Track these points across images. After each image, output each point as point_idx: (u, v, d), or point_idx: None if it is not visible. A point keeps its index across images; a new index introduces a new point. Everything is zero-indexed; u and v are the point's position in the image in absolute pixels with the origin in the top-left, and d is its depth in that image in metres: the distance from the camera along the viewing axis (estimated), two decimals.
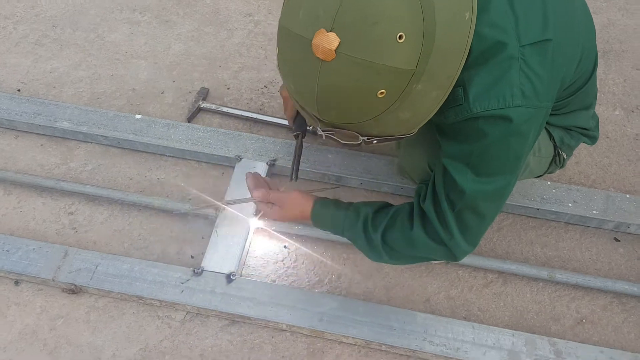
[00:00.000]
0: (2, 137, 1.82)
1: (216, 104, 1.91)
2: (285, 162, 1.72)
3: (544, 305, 1.54)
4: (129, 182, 1.73)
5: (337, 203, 1.32)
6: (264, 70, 2.05)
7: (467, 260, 1.54)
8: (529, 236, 1.66)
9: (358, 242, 1.28)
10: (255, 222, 1.58)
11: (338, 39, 0.83)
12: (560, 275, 1.53)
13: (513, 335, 1.42)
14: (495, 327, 1.44)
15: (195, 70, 2.04)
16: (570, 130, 1.36)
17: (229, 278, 1.48)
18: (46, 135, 1.82)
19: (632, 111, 1.99)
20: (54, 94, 1.95)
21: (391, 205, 1.29)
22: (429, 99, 0.93)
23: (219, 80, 2.01)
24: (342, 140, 1.00)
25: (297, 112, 1.67)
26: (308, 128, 1.68)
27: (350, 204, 1.32)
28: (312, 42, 0.84)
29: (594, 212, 1.65)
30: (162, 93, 1.96)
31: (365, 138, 0.98)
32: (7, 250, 1.51)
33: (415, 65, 0.85)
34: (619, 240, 1.66)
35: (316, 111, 0.93)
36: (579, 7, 1.12)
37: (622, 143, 1.89)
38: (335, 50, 0.83)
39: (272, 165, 1.71)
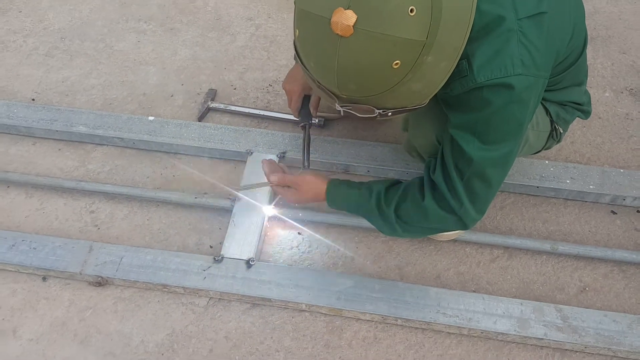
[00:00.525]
0: (21, 143, 1.89)
1: (224, 103, 1.99)
2: (294, 153, 1.80)
3: (548, 276, 1.62)
4: (145, 180, 1.81)
5: (349, 183, 1.41)
6: (268, 70, 2.13)
7: (473, 237, 1.62)
8: (531, 213, 1.74)
9: (372, 218, 1.37)
10: (270, 210, 1.66)
11: (355, 15, 0.91)
12: (563, 247, 1.61)
13: (521, 304, 1.50)
14: (504, 297, 1.51)
15: (202, 73, 2.12)
16: (565, 105, 1.45)
17: (248, 263, 1.55)
18: (63, 140, 1.89)
19: (621, 92, 2.08)
20: (68, 102, 2.02)
21: (401, 181, 1.37)
22: (438, 70, 1.01)
23: (226, 81, 2.09)
24: (359, 114, 1.08)
25: (302, 104, 1.75)
26: (313, 120, 1.76)
27: (362, 182, 1.40)
28: (331, 20, 0.92)
29: (591, 187, 1.73)
30: (172, 96, 2.04)
31: (381, 110, 1.06)
32: (34, 248, 1.58)
33: (426, 36, 0.93)
34: (616, 213, 1.75)
35: (336, 86, 1.01)
36: None
37: (613, 122, 1.98)
38: (353, 26, 0.91)
39: (282, 157, 1.79)
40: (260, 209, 1.66)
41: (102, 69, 2.14)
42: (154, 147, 1.86)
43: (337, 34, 0.93)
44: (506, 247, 1.66)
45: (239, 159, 1.84)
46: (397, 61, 0.94)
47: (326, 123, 1.93)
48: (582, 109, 1.50)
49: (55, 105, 1.97)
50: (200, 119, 1.95)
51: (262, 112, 1.96)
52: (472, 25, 1.02)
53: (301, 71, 1.69)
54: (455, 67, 1.04)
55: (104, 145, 1.88)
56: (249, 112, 1.97)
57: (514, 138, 1.16)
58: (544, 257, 1.65)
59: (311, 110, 1.75)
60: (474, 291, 1.58)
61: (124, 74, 2.12)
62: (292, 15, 2.26)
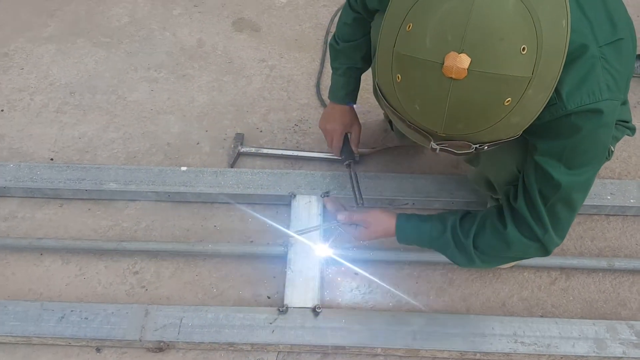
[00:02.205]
0: (47, 207, 1.80)
1: (255, 147, 1.95)
2: (337, 192, 1.77)
3: (608, 293, 1.63)
4: (186, 234, 1.74)
5: (419, 216, 1.40)
6: (290, 109, 2.11)
7: (531, 261, 1.62)
8: (577, 232, 1.75)
9: (447, 250, 1.35)
10: (325, 252, 1.62)
11: (469, 58, 0.90)
12: (619, 263, 1.63)
13: (594, 324, 1.50)
14: (576, 319, 1.51)
15: (225, 118, 2.08)
16: (617, 124, 1.48)
17: (315, 311, 1.50)
18: (92, 199, 1.81)
19: (634, 107, 2.15)
20: (89, 159, 1.94)
21: (471, 211, 1.36)
22: (536, 102, 1.01)
23: (250, 124, 2.06)
24: (456, 150, 1.06)
25: (343, 143, 1.73)
26: (356, 157, 1.75)
27: (432, 215, 1.39)
28: (444, 64, 0.91)
29: (632, 200, 1.76)
30: (198, 144, 1.99)
31: (477, 145, 1.05)
32: (86, 318, 1.48)
33: (532, 72, 0.94)
34: None
35: (442, 127, 0.99)
36: (623, 5, 1.25)
37: (635, 137, 2.03)
38: (467, 69, 0.91)
39: (325, 197, 1.76)
40: (315, 252, 1.61)
41: (119, 121, 2.07)
42: (190, 199, 1.79)
43: (450, 77, 0.92)
44: (562, 268, 1.66)
45: (281, 202, 1.79)
46: (508, 99, 0.94)
47: (360, 159, 1.92)
48: (629, 126, 1.53)
49: (76, 163, 1.89)
50: (233, 165, 1.90)
51: (295, 153, 1.93)
52: None
53: (344, 113, 1.69)
54: None
55: (136, 200, 1.81)
56: (281, 154, 1.94)
57: (598, 161, 1.18)
58: (600, 274, 1.66)
59: (354, 148, 1.75)
60: (542, 316, 1.57)
61: (143, 124, 2.05)
62: (303, 53, 2.27)
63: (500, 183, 1.38)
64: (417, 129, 1.05)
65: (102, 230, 1.74)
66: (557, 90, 1.07)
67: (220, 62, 2.30)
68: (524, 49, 0.91)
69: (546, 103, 1.07)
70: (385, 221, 1.41)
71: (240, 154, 1.93)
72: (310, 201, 1.75)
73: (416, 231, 1.38)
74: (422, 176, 1.82)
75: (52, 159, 1.94)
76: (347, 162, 1.73)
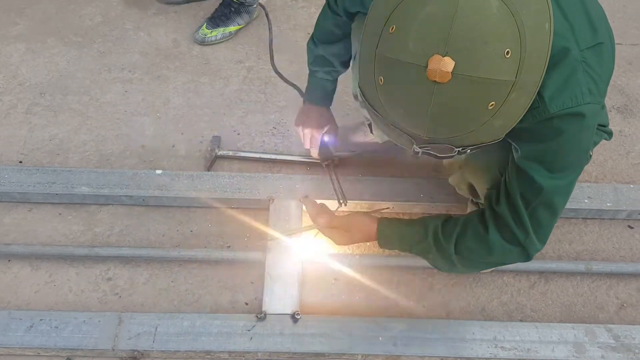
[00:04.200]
0: (15, 211, 1.73)
1: (232, 150, 1.91)
2: (317, 196, 1.74)
3: (586, 296, 1.64)
4: (162, 239, 1.69)
5: (400, 220, 1.39)
6: (269, 112, 2.08)
7: (510, 265, 1.61)
8: (555, 235, 1.76)
9: (429, 255, 1.33)
10: (305, 258, 1.59)
11: (453, 61, 0.89)
12: (597, 266, 1.64)
13: (573, 328, 1.50)
14: (556, 323, 1.51)
15: (201, 120, 2.04)
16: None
17: (294, 317, 1.47)
18: (62, 203, 1.75)
19: (610, 111, 2.17)
20: (60, 161, 1.88)
21: (452, 216, 1.35)
22: (519, 105, 1.00)
23: (227, 127, 2.02)
24: (438, 154, 1.05)
25: (321, 144, 1.70)
26: (333, 157, 1.72)
27: (413, 220, 1.37)
28: (428, 68, 0.89)
29: (608, 204, 1.78)
30: (173, 146, 1.95)
31: (460, 149, 1.04)
32: (56, 327, 1.43)
33: (515, 76, 0.93)
34: (633, 227, 1.80)
35: (424, 131, 0.98)
36: (603, 11, 1.25)
37: (611, 140, 2.05)
38: (451, 72, 0.89)
39: (304, 198, 1.72)
40: (294, 258, 1.58)
41: (91, 123, 2.01)
42: (165, 203, 1.75)
43: (434, 80, 0.90)
44: (541, 272, 1.67)
45: (258, 207, 1.76)
46: (492, 102, 0.93)
47: (340, 162, 1.89)
48: (607, 130, 1.54)
49: (46, 166, 1.82)
50: (209, 168, 1.86)
51: (273, 156, 1.90)
52: None
53: (321, 114, 1.67)
54: None
55: (109, 204, 1.76)
56: (259, 157, 1.90)
57: (579, 165, 1.18)
58: (578, 277, 1.67)
59: (331, 150, 1.73)
60: (521, 320, 1.57)
61: (117, 126, 2.00)
62: (283, 56, 2.24)
63: (482, 186, 1.38)
64: (399, 132, 1.04)
65: (74, 235, 1.69)
66: (539, 94, 1.06)
67: (197, 62, 2.26)
68: (507, 52, 0.90)
69: (529, 106, 1.06)
70: (367, 225, 1.38)
71: (217, 157, 1.89)
72: (288, 206, 1.72)
73: (397, 235, 1.36)
74: (402, 179, 1.80)
75: (21, 162, 1.87)
76: (325, 162, 1.70)
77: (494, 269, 1.61)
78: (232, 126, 2.03)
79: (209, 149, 1.90)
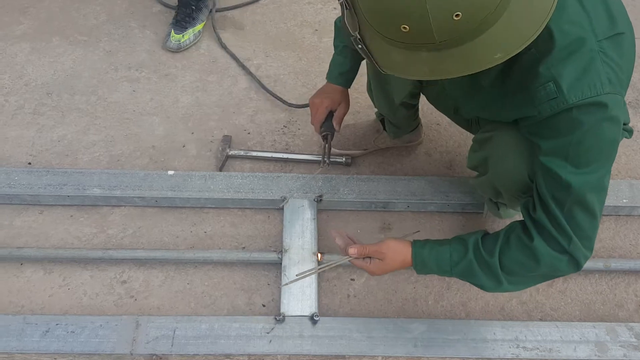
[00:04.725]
0: (26, 214, 1.71)
1: (244, 150, 1.89)
2: (331, 195, 1.73)
3: (605, 294, 1.62)
4: (175, 241, 1.67)
5: (434, 241, 1.30)
6: (278, 111, 2.06)
7: None
8: None
9: (471, 274, 1.24)
10: (321, 259, 1.57)
11: None
12: (615, 264, 1.62)
13: (594, 327, 1.49)
14: (577, 322, 1.50)
15: (210, 119, 2.01)
16: None
17: (312, 319, 1.45)
18: (74, 205, 1.72)
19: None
20: (70, 162, 1.85)
21: (489, 232, 1.29)
22: (523, 20, 0.93)
23: (237, 126, 2.00)
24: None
25: (326, 119, 1.64)
26: (334, 131, 1.67)
27: (447, 240, 1.29)
28: None
29: (624, 200, 1.76)
30: (184, 146, 1.92)
31: None
32: (73, 332, 1.41)
33: None
34: None
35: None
36: (622, 4, 1.22)
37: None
38: None
39: (319, 201, 1.71)
40: (310, 259, 1.56)
41: (100, 123, 1.98)
42: (178, 204, 1.73)
43: None
44: None
45: (272, 207, 1.74)
46: None
47: (352, 161, 1.88)
48: (627, 128, 1.52)
49: (56, 168, 1.80)
50: (221, 168, 1.84)
51: (285, 155, 1.88)
52: (554, 45, 1.03)
53: (335, 90, 1.62)
54: (542, 89, 1.05)
55: (122, 206, 1.73)
56: (271, 157, 1.88)
57: (607, 159, 1.13)
58: (597, 275, 1.66)
59: (336, 125, 1.64)
60: (541, 319, 1.55)
61: (126, 126, 1.97)
62: (289, 52, 2.22)
63: (511, 192, 1.34)
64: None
65: (86, 237, 1.66)
66: (557, 83, 1.05)
67: (204, 61, 2.23)
68: None
69: (544, 96, 1.05)
70: (401, 251, 1.29)
71: (228, 157, 1.87)
72: (303, 205, 1.70)
73: (435, 256, 1.26)
74: (415, 178, 1.79)
75: (30, 163, 1.84)
76: (325, 133, 1.64)
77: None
78: (242, 125, 2.00)
79: (220, 148, 1.88)
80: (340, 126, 1.65)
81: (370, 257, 1.30)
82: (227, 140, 1.90)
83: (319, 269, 1.45)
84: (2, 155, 1.86)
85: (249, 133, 1.98)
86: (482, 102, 1.30)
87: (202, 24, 2.28)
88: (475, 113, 1.40)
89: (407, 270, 1.59)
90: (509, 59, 0.96)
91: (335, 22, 1.60)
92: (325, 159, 1.65)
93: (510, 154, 1.25)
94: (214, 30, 2.30)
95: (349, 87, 1.64)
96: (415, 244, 1.29)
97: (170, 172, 1.76)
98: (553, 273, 1.21)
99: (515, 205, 1.46)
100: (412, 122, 1.84)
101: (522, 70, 1.11)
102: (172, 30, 2.22)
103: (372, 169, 1.88)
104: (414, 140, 1.92)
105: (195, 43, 2.26)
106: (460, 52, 0.94)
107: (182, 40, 2.20)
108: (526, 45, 0.95)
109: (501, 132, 1.28)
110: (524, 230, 1.20)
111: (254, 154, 1.88)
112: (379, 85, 1.61)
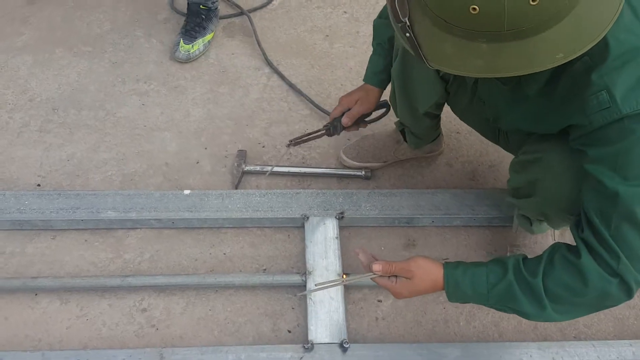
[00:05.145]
0: (38, 240, 1.65)
1: (260, 165, 1.83)
2: (353, 212, 1.68)
3: (638, 309, 1.58)
4: (194, 264, 1.62)
5: (468, 263, 1.20)
6: (293, 122, 2.00)
7: None
8: None
9: (512, 297, 1.13)
10: (346, 280, 1.52)
11: None
12: None
13: (630, 344, 1.45)
14: (613, 341, 1.46)
15: (224, 133, 1.95)
16: None
17: (342, 347, 1.40)
18: (88, 229, 1.66)
19: None
20: (81, 183, 1.79)
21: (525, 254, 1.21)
22: (592, 19, 0.90)
23: (251, 139, 1.94)
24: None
25: (339, 116, 1.60)
26: (337, 128, 1.62)
27: (482, 262, 1.19)
28: None
29: None
30: (198, 162, 1.86)
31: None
32: None
33: None
34: None
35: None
36: None
37: None
38: None
39: (340, 218, 1.66)
40: (336, 282, 1.51)
41: (110, 140, 1.92)
42: (195, 224, 1.67)
43: None
44: None
45: (292, 225, 1.69)
46: None
47: (372, 173, 1.82)
48: None
49: (67, 190, 1.73)
50: (237, 185, 1.78)
51: (302, 170, 1.83)
52: (609, 53, 0.99)
53: (361, 89, 1.58)
54: (595, 99, 1.01)
55: (137, 228, 1.67)
56: (287, 172, 1.82)
57: None
58: None
59: (343, 118, 1.58)
60: (575, 337, 1.51)
61: (138, 143, 1.91)
62: (301, 59, 2.16)
63: (561, 215, 1.26)
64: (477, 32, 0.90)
65: (102, 263, 1.61)
66: (610, 93, 1.00)
67: (214, 71, 2.16)
68: None
69: (596, 106, 1.00)
70: (431, 271, 1.18)
71: (244, 173, 1.81)
72: (324, 223, 1.65)
73: (470, 278, 1.15)
74: (439, 191, 1.73)
75: (39, 185, 1.78)
76: (327, 126, 1.62)
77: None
78: (256, 138, 1.94)
79: (236, 164, 1.82)
80: (350, 122, 1.59)
81: (396, 276, 1.20)
82: (242, 156, 1.84)
83: (340, 282, 1.38)
84: (9, 177, 1.80)
85: (263, 146, 1.92)
86: (525, 113, 1.24)
87: (212, 33, 2.21)
88: (517, 124, 1.32)
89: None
90: (560, 66, 0.92)
91: (374, 23, 1.55)
92: (298, 138, 1.66)
93: (562, 178, 1.19)
94: (259, 46, 2.22)
95: (383, 88, 1.59)
96: (447, 264, 1.19)
97: (187, 192, 1.70)
98: (603, 300, 1.10)
99: (561, 226, 1.40)
100: (434, 132, 1.79)
101: (573, 79, 1.06)
102: (181, 40, 2.14)
103: (393, 182, 1.83)
104: (435, 150, 1.86)
105: (204, 53, 2.18)
106: (521, 47, 0.90)
107: (192, 50, 2.14)
108: (589, 47, 0.91)
109: (551, 155, 1.21)
110: (569, 249, 1.13)
111: (271, 168, 1.83)
112: (403, 94, 1.55)
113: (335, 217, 1.66)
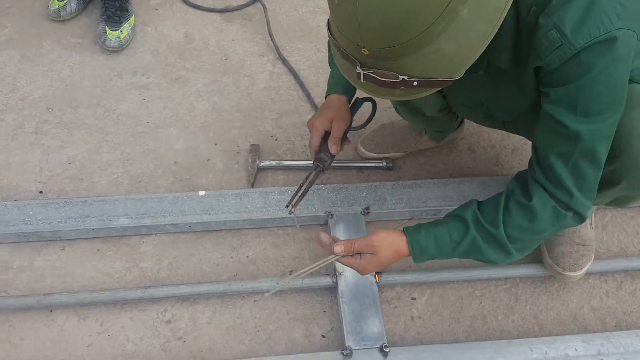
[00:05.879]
0: (46, 251, 1.54)
1: (276, 160, 1.74)
2: (379, 206, 1.61)
3: None
4: (216, 269, 1.53)
5: (428, 224, 1.20)
6: (304, 111, 1.90)
7: (593, 266, 1.51)
8: (632, 227, 1.66)
9: (477, 250, 1.17)
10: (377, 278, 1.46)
11: None
12: None
13: None
14: None
15: (233, 127, 1.85)
16: None
17: (382, 351, 1.34)
18: (99, 237, 1.56)
19: None
20: (86, 188, 1.68)
21: (475, 200, 1.22)
22: (475, 32, 0.91)
23: (262, 132, 1.84)
24: (380, 77, 0.95)
25: (321, 143, 1.42)
26: (327, 161, 1.41)
27: (440, 219, 1.22)
28: None
29: None
30: (208, 160, 1.76)
31: (405, 77, 0.94)
32: None
33: None
34: None
35: (358, 33, 0.91)
36: None
37: None
38: None
39: (366, 214, 1.59)
40: (368, 280, 1.45)
41: (112, 139, 1.80)
42: (214, 227, 1.58)
43: None
44: (626, 270, 1.57)
45: (316, 222, 1.61)
46: None
47: (393, 164, 1.75)
48: None
49: (75, 198, 1.62)
50: (253, 183, 1.69)
51: None
52: None
53: (328, 106, 1.44)
54: (545, 41, 0.98)
55: (152, 234, 1.58)
56: (305, 165, 1.74)
57: (619, 103, 1.04)
58: None
59: (331, 147, 1.37)
60: (616, 326, 1.48)
61: (142, 141, 1.80)
62: (306, 43, 2.05)
63: None
64: (345, 54, 0.98)
65: (118, 274, 1.51)
66: (559, 30, 0.97)
67: (215, 59, 2.05)
68: None
69: (547, 47, 0.98)
70: (393, 240, 1.18)
71: (259, 169, 1.72)
72: (349, 220, 1.57)
73: (433, 240, 1.17)
74: (466, 180, 1.67)
75: (41, 192, 1.67)
76: (315, 164, 1.41)
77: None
78: (268, 131, 1.85)
79: (250, 160, 1.72)
80: (338, 147, 1.38)
81: (360, 254, 1.19)
82: (255, 151, 1.75)
83: (306, 271, 1.24)
84: (7, 184, 1.68)
85: (276, 140, 1.83)
86: (511, 91, 1.19)
87: (133, 15, 2.07)
88: (511, 109, 1.29)
89: (470, 284, 1.51)
90: (516, 26, 1.00)
91: (328, 43, 1.43)
92: (293, 198, 1.35)
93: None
94: (270, 35, 2.09)
95: (351, 97, 1.41)
96: (407, 231, 1.19)
97: (202, 193, 1.61)
98: (560, 229, 1.19)
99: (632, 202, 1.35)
100: (455, 121, 1.71)
101: (530, 32, 1.02)
102: (107, 28, 2.00)
103: (415, 171, 1.76)
104: (457, 137, 1.79)
105: (132, 38, 2.05)
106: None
107: (122, 36, 2.00)
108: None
109: None
110: (522, 192, 1.14)
111: (287, 163, 1.74)
112: (405, 107, 1.51)
113: (361, 213, 1.59)
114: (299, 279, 1.30)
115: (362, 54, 0.94)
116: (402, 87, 0.96)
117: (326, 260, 1.23)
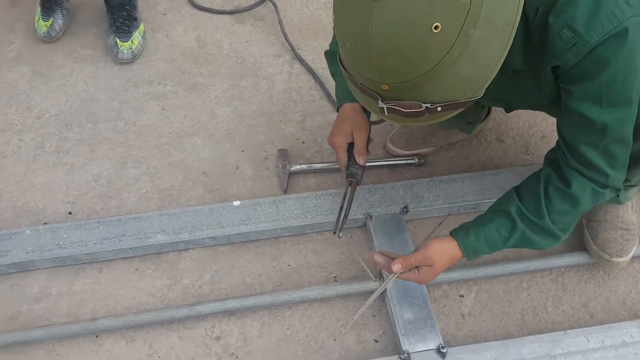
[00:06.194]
0: (84, 275, 1.51)
1: (307, 164, 1.71)
2: (416, 205, 1.59)
3: None
4: (259, 280, 1.51)
5: (475, 224, 1.24)
6: (327, 111, 1.87)
7: (637, 250, 1.50)
8: None
9: (528, 241, 1.22)
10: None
11: None
12: None
13: None
14: None
15: (258, 132, 1.82)
16: None
17: (439, 352, 1.33)
18: (136, 256, 1.53)
19: None
20: (115, 205, 1.64)
21: (518, 187, 1.26)
22: (490, 49, 0.91)
23: (288, 136, 1.81)
24: (404, 109, 0.95)
25: (349, 156, 1.42)
26: (358, 176, 1.41)
27: (484, 216, 1.26)
28: None
29: None
30: (237, 168, 1.73)
31: (429, 105, 0.94)
32: None
33: (469, 1, 0.83)
34: None
35: (375, 69, 0.90)
36: None
37: None
38: None
39: (405, 212, 1.57)
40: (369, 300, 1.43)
41: (136, 153, 1.76)
42: (252, 237, 1.56)
43: None
44: None
45: (354, 225, 1.59)
46: (436, 23, 0.83)
47: (423, 159, 1.73)
48: None
49: (107, 217, 1.58)
50: (286, 189, 1.66)
51: None
52: None
53: (344, 119, 1.43)
54: (559, 40, 0.98)
55: (190, 249, 1.55)
56: (336, 167, 1.70)
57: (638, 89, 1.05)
58: None
59: (358, 159, 1.39)
60: None
61: (167, 153, 1.76)
62: (322, 41, 2.01)
63: None
64: (363, 88, 0.98)
65: (160, 293, 1.48)
66: (572, 29, 0.97)
67: (231, 63, 2.01)
68: None
69: (562, 46, 0.98)
70: (447, 249, 1.23)
71: (290, 174, 1.69)
72: (388, 220, 1.55)
73: (484, 240, 1.22)
74: (501, 171, 1.66)
75: (70, 213, 1.63)
76: (349, 180, 1.40)
77: None
78: (294, 134, 1.81)
79: (280, 165, 1.69)
80: (365, 157, 1.39)
81: (417, 267, 1.23)
82: (284, 155, 1.72)
83: (372, 300, 1.33)
84: (35, 207, 1.64)
85: (303, 142, 1.80)
86: (527, 87, 1.20)
87: (142, 23, 2.02)
88: (528, 103, 1.35)
89: (515, 277, 1.50)
90: (526, 28, 1.00)
91: (325, 54, 1.46)
92: (338, 223, 1.37)
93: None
94: (283, 34, 2.06)
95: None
96: (457, 236, 1.23)
97: (236, 203, 1.58)
98: (599, 202, 1.23)
99: None
100: (483, 110, 1.70)
101: (541, 33, 1.02)
102: (118, 40, 1.95)
103: (447, 165, 1.74)
104: (485, 127, 1.78)
105: (144, 47, 2.01)
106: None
107: (134, 47, 1.95)
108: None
109: None
110: (559, 178, 1.17)
111: (318, 166, 1.71)
112: None
113: (400, 212, 1.57)
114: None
115: (382, 89, 0.94)
116: (427, 114, 0.96)
117: (388, 281, 1.31)
